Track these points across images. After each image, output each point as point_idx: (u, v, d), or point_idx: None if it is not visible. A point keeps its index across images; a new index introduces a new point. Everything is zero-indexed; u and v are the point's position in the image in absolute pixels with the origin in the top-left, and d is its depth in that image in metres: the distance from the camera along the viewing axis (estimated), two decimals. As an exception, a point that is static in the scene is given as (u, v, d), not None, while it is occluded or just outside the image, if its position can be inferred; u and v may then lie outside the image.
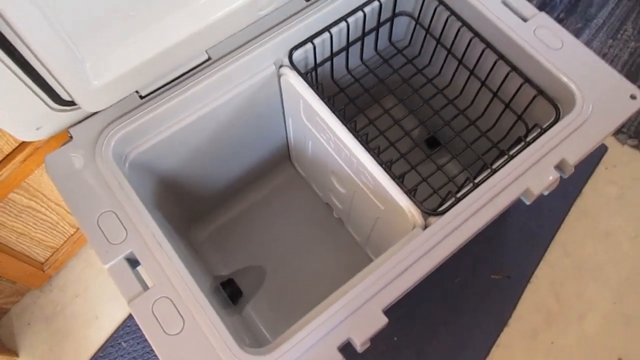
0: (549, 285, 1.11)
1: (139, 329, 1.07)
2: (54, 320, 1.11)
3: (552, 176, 0.67)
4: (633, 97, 0.71)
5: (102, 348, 1.07)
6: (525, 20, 0.77)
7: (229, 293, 0.98)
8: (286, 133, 1.01)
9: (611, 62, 1.32)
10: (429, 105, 0.86)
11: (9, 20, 0.49)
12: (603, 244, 1.14)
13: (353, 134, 0.74)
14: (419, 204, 0.69)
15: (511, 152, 0.70)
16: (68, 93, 0.60)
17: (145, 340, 1.06)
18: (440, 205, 0.68)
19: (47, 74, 0.59)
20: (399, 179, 0.71)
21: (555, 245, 1.14)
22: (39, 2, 0.49)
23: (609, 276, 1.12)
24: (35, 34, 0.51)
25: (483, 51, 0.79)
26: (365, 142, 0.74)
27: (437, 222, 0.65)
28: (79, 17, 0.54)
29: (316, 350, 0.58)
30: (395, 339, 1.06)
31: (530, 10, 0.78)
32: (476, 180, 0.68)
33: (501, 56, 0.77)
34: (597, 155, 1.22)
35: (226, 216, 1.09)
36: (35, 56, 0.54)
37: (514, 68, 0.77)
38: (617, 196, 1.19)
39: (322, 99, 0.76)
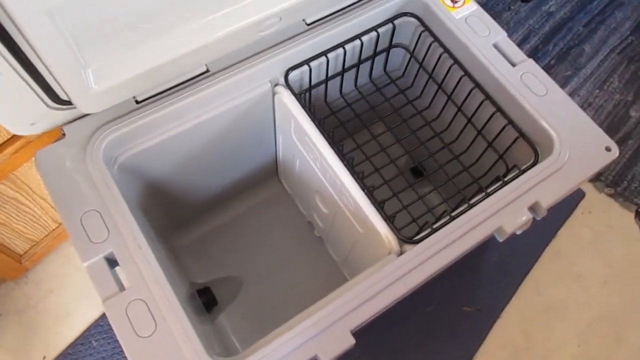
0: (518, 322, 1.13)
1: (111, 329, 1.07)
2: (26, 313, 1.11)
3: (526, 217, 0.70)
4: (608, 149, 0.75)
5: (72, 345, 1.06)
6: (513, 65, 0.80)
7: (204, 301, 0.99)
8: (276, 149, 1.03)
9: (596, 112, 1.36)
10: (416, 136, 0.89)
11: (20, 26, 0.51)
12: (574, 286, 1.17)
13: (339, 157, 0.76)
14: (396, 230, 0.71)
15: (489, 190, 0.72)
16: (67, 94, 0.62)
17: (116, 340, 1.06)
18: (417, 234, 0.71)
19: (48, 74, 0.60)
20: (379, 205, 0.73)
21: (527, 282, 1.16)
22: (51, 11, 0.51)
23: (576, 318, 1.14)
24: (42, 39, 0.53)
25: (471, 90, 0.82)
26: (350, 166, 0.76)
27: (411, 250, 0.67)
28: (88, 26, 0.56)
29: (283, 364, 0.60)
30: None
31: (519, 56, 0.81)
32: (453, 214, 0.71)
33: (488, 96, 0.81)
34: (575, 199, 1.25)
35: (209, 225, 1.10)
36: (39, 58, 0.56)
37: (499, 109, 0.80)
38: (591, 241, 1.22)
39: (313, 120, 0.79)
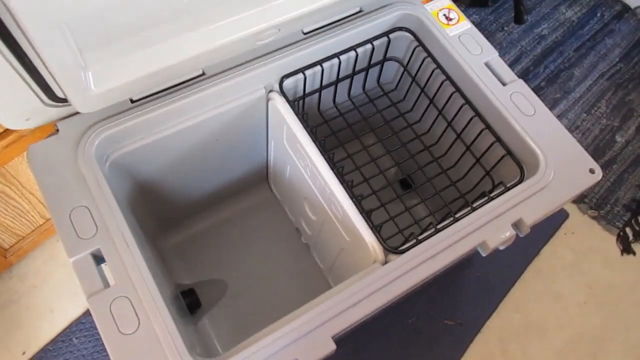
0: (497, 338, 1.14)
1: (93, 327, 1.07)
2: (8, 308, 1.10)
3: (509, 233, 0.71)
4: (592, 171, 0.76)
5: (53, 341, 1.06)
6: (504, 84, 0.82)
7: (188, 302, 0.99)
8: (267, 155, 1.04)
9: (582, 135, 1.39)
10: (406, 148, 0.91)
11: (26, 31, 0.51)
12: (553, 305, 1.19)
13: (330, 165, 0.77)
14: (382, 240, 0.72)
15: (474, 205, 0.74)
16: (65, 94, 0.62)
17: (97, 339, 1.06)
18: (403, 244, 0.72)
19: (47, 73, 0.61)
20: (366, 214, 0.75)
21: (508, 300, 1.18)
22: (57, 16, 0.52)
23: (554, 337, 1.16)
24: (46, 42, 0.53)
25: (462, 106, 0.84)
26: (340, 174, 0.77)
27: (396, 260, 0.68)
28: (91, 30, 0.56)
29: (263, 367, 0.60)
30: (344, 370, 1.07)
31: (509, 75, 0.83)
32: (438, 226, 0.72)
33: (477, 113, 0.82)
34: (558, 220, 1.27)
35: (198, 227, 1.10)
36: (40, 59, 0.56)
37: (487, 126, 0.81)
38: (572, 262, 1.24)
39: (306, 127, 0.80)
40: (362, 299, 0.65)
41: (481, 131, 0.82)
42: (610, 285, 1.22)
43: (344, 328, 0.63)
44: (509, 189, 0.75)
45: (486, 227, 0.71)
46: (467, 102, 0.83)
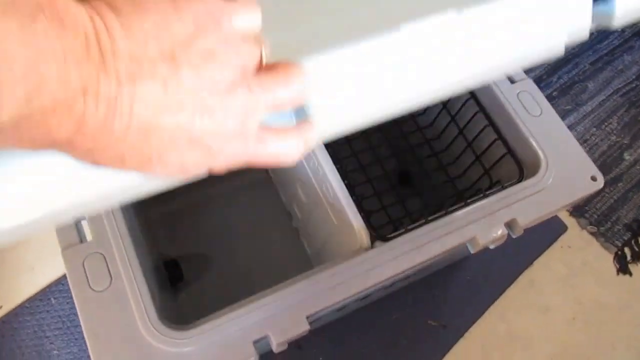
0: (480, 345, 1.12)
1: (71, 288, 1.06)
2: (-11, 260, 1.09)
3: (501, 231, 0.69)
4: (594, 178, 0.74)
5: (31, 299, 1.04)
6: (512, 81, 0.80)
7: (170, 274, 0.97)
8: (266, 133, 1.02)
9: (590, 150, 1.36)
10: (407, 140, 0.89)
11: None
12: (540, 318, 1.16)
13: (325, 145, 0.76)
14: (370, 227, 0.70)
15: (468, 200, 0.72)
16: None
17: (75, 301, 1.04)
18: (390, 233, 0.70)
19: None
20: (357, 199, 0.73)
21: (495, 307, 1.15)
22: None
23: (538, 350, 1.13)
24: None
25: (467, 100, 0.82)
26: (335, 156, 0.75)
27: (380, 247, 0.66)
28: None
29: (233, 338, 0.58)
30: (321, 359, 1.06)
31: (519, 74, 0.81)
32: (429, 217, 0.70)
33: (481, 108, 0.80)
34: (555, 232, 1.25)
35: (189, 200, 1.08)
36: None
37: (491, 123, 0.79)
38: (565, 276, 1.21)
39: (305, 106, 0.78)
40: (341, 282, 0.63)
41: (484, 128, 0.80)
42: (601, 304, 1.20)
43: (319, 309, 0.61)
44: (505, 187, 0.73)
45: (478, 223, 0.69)
46: (473, 96, 0.81)
